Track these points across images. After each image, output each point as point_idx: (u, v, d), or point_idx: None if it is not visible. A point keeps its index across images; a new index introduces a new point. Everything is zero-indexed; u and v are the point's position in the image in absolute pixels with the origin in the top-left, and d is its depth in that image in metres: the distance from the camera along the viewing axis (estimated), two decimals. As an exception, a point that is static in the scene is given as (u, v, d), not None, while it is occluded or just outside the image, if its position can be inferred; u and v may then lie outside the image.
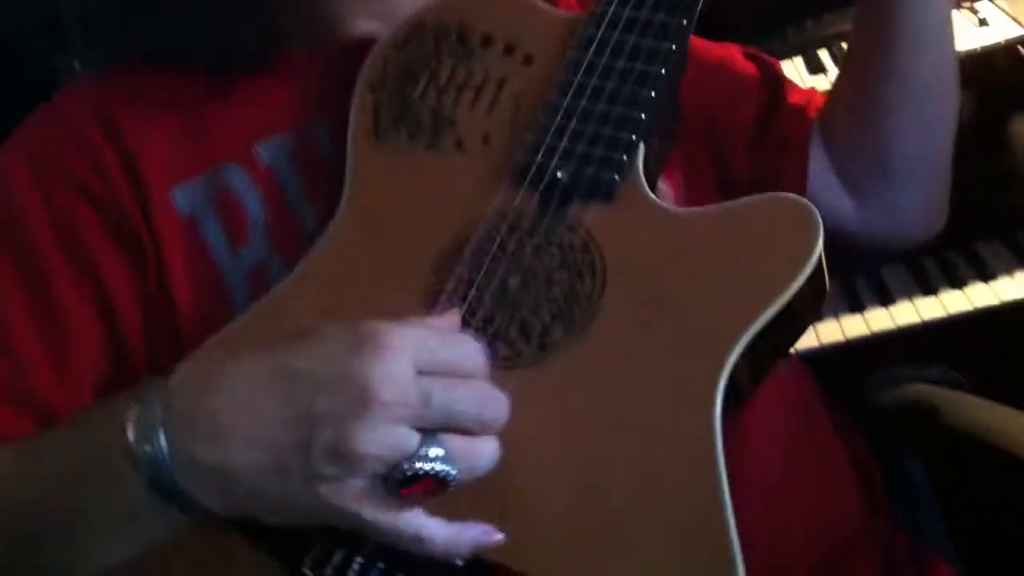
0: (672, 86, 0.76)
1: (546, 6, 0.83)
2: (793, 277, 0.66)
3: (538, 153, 0.74)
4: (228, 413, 0.60)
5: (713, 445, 0.62)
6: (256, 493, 0.60)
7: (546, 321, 0.69)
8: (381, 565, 0.64)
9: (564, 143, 0.73)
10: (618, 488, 0.63)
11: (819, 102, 0.95)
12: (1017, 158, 1.36)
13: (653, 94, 0.74)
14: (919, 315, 1.25)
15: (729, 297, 0.67)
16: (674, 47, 0.75)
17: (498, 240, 0.72)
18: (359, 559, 0.64)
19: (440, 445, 0.58)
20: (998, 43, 1.28)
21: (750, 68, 0.95)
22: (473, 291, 0.71)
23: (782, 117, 0.93)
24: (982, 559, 0.94)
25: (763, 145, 0.92)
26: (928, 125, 0.89)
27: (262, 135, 0.84)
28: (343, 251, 0.77)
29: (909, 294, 1.27)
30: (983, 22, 1.32)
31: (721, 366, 0.64)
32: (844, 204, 0.92)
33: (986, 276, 1.26)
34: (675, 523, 0.62)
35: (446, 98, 0.80)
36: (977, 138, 1.24)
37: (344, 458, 0.57)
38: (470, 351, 0.62)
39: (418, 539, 0.59)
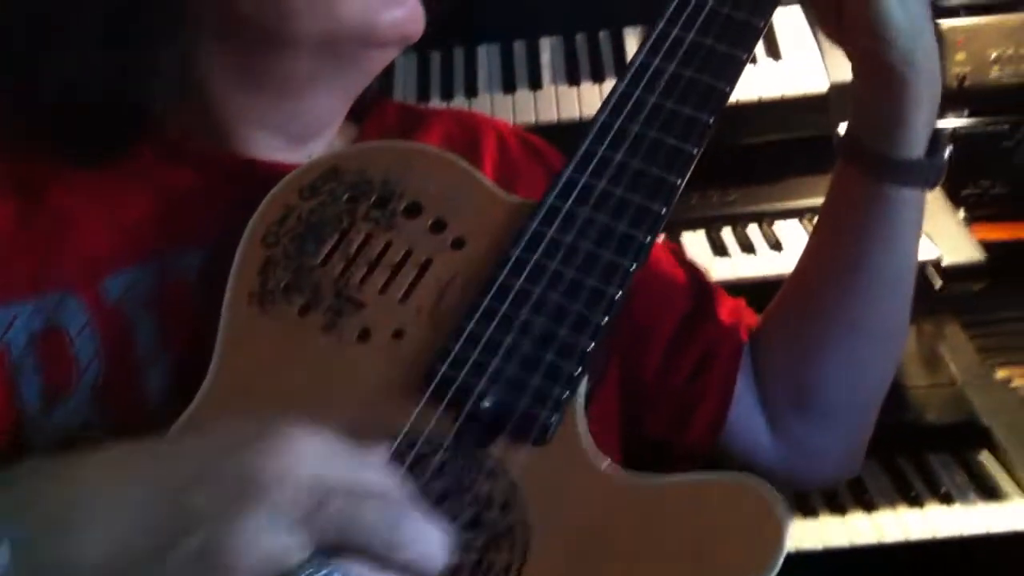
0: (624, 310, 0.64)
1: (489, 183, 0.70)
2: None
3: (462, 368, 0.60)
4: (83, 501, 0.48)
5: None
6: None
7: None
8: None
9: (494, 362, 0.60)
10: None
11: (750, 320, 0.86)
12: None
13: (606, 319, 0.61)
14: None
15: None
16: (634, 264, 0.63)
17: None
18: None
19: (335, 570, 0.45)
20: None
21: (678, 272, 0.85)
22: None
23: (708, 331, 0.83)
24: None
25: (681, 357, 0.83)
26: (870, 372, 0.83)
27: (114, 264, 0.69)
28: None
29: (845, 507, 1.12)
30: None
31: None
32: (761, 437, 0.84)
33: (942, 496, 1.12)
34: None
35: (354, 272, 0.65)
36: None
37: (210, 570, 0.45)
38: (391, 482, 0.51)
39: None
